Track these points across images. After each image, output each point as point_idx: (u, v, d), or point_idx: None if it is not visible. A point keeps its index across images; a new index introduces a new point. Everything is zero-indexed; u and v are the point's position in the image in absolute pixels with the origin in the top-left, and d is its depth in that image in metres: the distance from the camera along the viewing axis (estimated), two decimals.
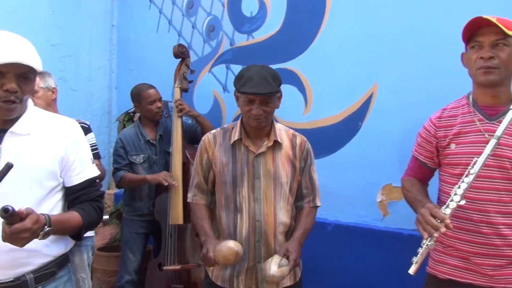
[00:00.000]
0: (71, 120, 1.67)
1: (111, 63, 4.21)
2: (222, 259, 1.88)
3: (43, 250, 1.52)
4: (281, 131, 2.11)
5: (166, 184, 2.94)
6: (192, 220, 2.21)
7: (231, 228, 2.04)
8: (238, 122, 2.11)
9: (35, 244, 1.39)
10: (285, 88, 2.28)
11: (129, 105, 3.87)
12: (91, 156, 1.69)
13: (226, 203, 2.06)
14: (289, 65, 3.07)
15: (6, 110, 1.46)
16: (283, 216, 2.05)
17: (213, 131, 2.18)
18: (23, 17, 3.62)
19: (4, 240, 1.32)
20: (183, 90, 3.23)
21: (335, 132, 2.91)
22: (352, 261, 2.79)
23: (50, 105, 2.73)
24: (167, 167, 3.19)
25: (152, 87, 3.20)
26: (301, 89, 3.03)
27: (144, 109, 3.19)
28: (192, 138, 3.25)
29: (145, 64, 3.91)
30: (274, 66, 2.43)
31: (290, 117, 3.02)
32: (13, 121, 1.51)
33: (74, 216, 1.56)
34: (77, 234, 1.61)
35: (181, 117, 3.10)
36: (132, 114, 3.69)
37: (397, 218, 2.71)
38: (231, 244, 1.91)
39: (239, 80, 1.98)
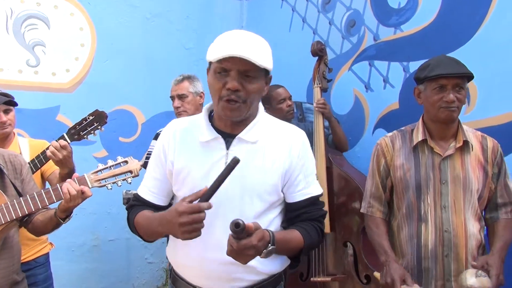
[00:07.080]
0: (300, 130, 1.53)
1: None
2: None
3: (258, 267, 1.40)
4: (468, 132, 1.86)
5: None
6: (369, 235, 2.00)
7: (413, 239, 1.82)
8: (419, 122, 1.89)
9: (253, 260, 1.28)
10: None
11: None
12: (315, 172, 1.53)
13: (408, 212, 1.84)
14: None
15: (228, 110, 1.36)
16: (474, 228, 1.78)
17: (389, 134, 1.98)
18: (161, 23, 3.73)
19: (229, 254, 1.23)
20: (323, 90, 3.04)
21: (503, 134, 2.53)
22: None
23: (199, 109, 2.70)
24: None
25: (280, 86, 3.05)
26: None
27: (275, 109, 3.06)
28: None
29: (276, 64, 3.73)
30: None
31: None
32: (240, 127, 1.43)
33: (297, 236, 1.42)
34: (295, 256, 1.48)
35: (323, 118, 2.90)
36: None
37: None
38: None
39: (425, 69, 1.80)
